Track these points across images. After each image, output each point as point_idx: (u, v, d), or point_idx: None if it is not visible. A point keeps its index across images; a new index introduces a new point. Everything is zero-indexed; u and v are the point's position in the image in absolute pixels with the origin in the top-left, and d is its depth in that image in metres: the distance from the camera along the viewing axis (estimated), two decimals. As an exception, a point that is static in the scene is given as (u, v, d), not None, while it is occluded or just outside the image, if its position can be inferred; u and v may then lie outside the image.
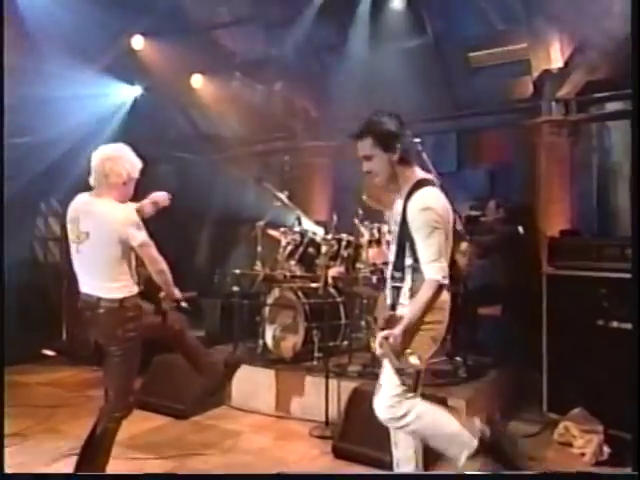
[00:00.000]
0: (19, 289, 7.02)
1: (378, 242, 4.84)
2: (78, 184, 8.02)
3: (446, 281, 2.51)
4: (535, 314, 4.37)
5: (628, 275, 3.75)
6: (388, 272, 2.75)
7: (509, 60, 6.23)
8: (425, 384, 4.18)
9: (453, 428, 2.68)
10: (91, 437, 3.16)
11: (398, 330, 2.45)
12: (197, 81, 7.44)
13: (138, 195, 3.38)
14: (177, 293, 3.28)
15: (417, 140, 4.78)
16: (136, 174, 3.22)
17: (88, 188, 3.18)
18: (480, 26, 6.04)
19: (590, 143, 6.03)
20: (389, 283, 2.71)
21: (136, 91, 7.58)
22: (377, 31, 6.30)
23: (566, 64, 5.81)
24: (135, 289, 3.13)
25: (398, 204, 2.70)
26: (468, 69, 6.43)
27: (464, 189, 6.28)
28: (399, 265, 2.63)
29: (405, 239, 2.58)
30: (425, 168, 4.67)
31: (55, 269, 8.17)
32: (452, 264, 2.68)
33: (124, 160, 3.16)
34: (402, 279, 2.63)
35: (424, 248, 2.50)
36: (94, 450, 3.16)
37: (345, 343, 4.97)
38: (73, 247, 3.12)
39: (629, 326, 3.75)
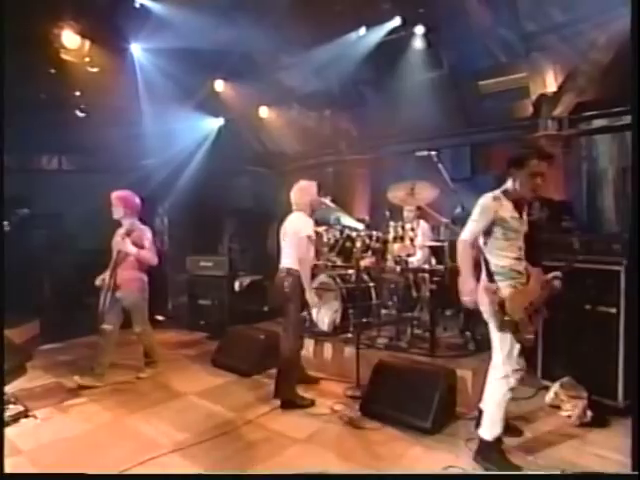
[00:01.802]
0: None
1: (402, 238, 4.55)
2: (181, 193, 8.12)
3: None
4: None
5: (613, 267, 3.36)
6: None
7: (512, 87, 5.61)
8: (438, 355, 3.97)
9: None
10: (282, 365, 3.69)
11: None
12: (264, 111, 7.26)
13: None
14: None
15: (433, 152, 4.50)
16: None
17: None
18: (487, 60, 5.46)
19: (580, 153, 5.36)
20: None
21: (219, 122, 7.51)
22: (404, 66, 5.84)
23: (559, 89, 5.23)
24: None
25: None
26: (478, 95, 5.86)
27: (477, 192, 5.76)
28: None
29: None
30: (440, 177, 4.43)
31: (164, 256, 8.31)
32: None
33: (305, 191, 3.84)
34: None
35: None
36: (287, 372, 3.67)
37: (375, 320, 4.68)
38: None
39: (613, 310, 3.34)
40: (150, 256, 4.24)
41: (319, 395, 3.89)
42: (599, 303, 3.41)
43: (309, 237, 3.64)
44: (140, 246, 4.20)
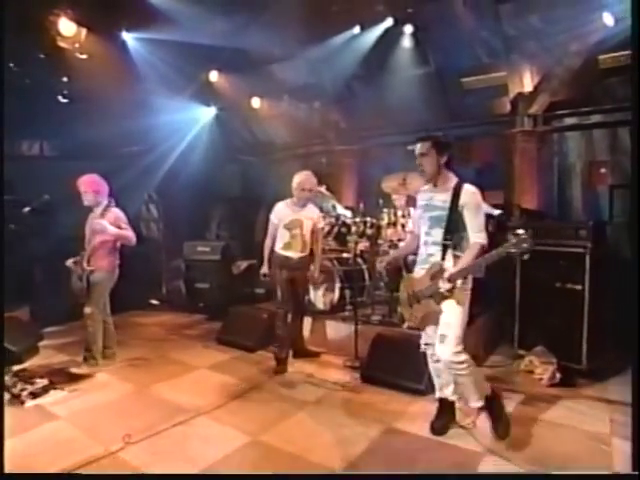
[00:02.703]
0: (130, 257, 7.40)
1: (394, 224, 5.03)
2: (172, 181, 8.36)
3: (486, 244, 2.79)
4: (511, 277, 4.37)
5: (580, 250, 3.92)
6: (436, 238, 2.89)
7: (492, 85, 6.13)
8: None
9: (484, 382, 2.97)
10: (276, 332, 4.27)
11: (455, 270, 2.77)
12: (256, 102, 7.53)
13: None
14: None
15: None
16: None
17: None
18: (470, 60, 5.91)
19: (552, 148, 5.92)
20: (439, 245, 2.88)
21: (212, 112, 7.76)
22: (392, 63, 6.26)
23: (535, 89, 5.76)
24: None
25: (439, 194, 2.90)
26: (461, 91, 6.32)
27: None
28: (450, 233, 2.84)
29: (456, 216, 2.81)
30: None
31: (155, 242, 8.52)
32: None
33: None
34: (450, 243, 2.85)
35: (475, 221, 2.80)
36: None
37: (368, 299, 5.13)
38: None
39: (579, 287, 3.90)
40: (130, 235, 4.28)
41: (321, 367, 4.35)
42: (567, 281, 3.95)
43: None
44: (117, 227, 4.22)
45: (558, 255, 4.00)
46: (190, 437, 3.08)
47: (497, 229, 4.45)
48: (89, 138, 10.49)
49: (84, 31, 6.43)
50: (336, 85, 6.96)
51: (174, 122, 7.60)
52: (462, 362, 2.79)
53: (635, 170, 2.64)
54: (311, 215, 4.36)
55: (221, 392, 3.80)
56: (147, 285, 7.44)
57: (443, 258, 2.87)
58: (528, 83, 5.83)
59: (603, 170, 5.74)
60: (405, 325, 3.17)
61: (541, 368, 3.91)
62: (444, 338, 2.82)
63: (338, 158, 7.74)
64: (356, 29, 5.91)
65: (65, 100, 8.71)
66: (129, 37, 6.70)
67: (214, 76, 7.04)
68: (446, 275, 2.77)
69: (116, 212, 4.36)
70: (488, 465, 2.69)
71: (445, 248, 2.86)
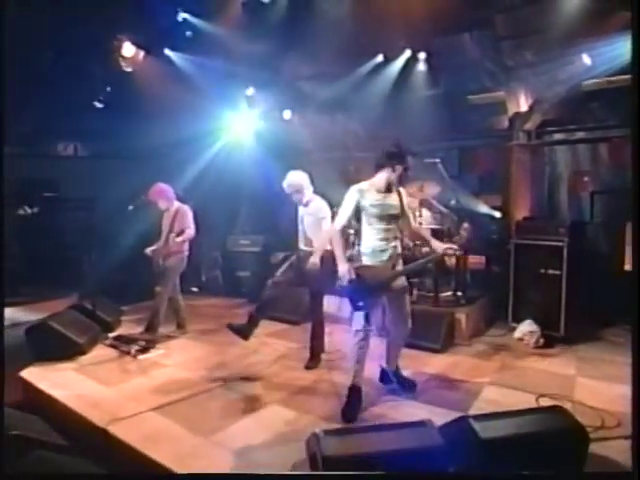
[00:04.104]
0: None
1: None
2: (206, 179, 9.48)
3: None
4: (506, 266, 5.61)
5: (559, 244, 5.17)
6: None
7: (493, 102, 7.30)
8: (440, 306, 5.72)
9: None
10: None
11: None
12: (287, 113, 8.74)
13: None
14: None
15: (437, 160, 6.21)
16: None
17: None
18: (475, 83, 7.15)
19: (543, 159, 7.11)
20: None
21: (248, 120, 8.86)
22: (408, 84, 7.49)
23: (529, 109, 6.91)
24: None
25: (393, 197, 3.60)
26: (466, 109, 7.54)
27: (463, 186, 7.53)
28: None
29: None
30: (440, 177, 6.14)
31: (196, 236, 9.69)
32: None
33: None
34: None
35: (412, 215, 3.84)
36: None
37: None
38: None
39: (558, 272, 5.15)
40: (191, 234, 5.43)
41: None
42: (549, 268, 5.21)
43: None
44: (183, 223, 5.39)
45: (543, 248, 5.27)
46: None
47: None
48: (121, 139, 11.85)
49: (142, 53, 7.65)
50: (356, 100, 8.19)
51: (210, 129, 8.80)
52: None
53: (635, 170, 2.80)
54: (312, 212, 4.58)
55: (281, 352, 5.04)
56: (188, 274, 8.64)
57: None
58: (523, 104, 7.03)
59: (586, 178, 7.00)
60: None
61: (529, 336, 5.16)
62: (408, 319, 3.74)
63: (356, 163, 8.95)
64: (380, 57, 7.14)
65: (100, 105, 10.02)
66: (176, 55, 7.88)
67: (251, 91, 8.24)
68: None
69: (185, 211, 5.54)
70: (491, 389, 3.94)
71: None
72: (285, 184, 4.52)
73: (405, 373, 4.14)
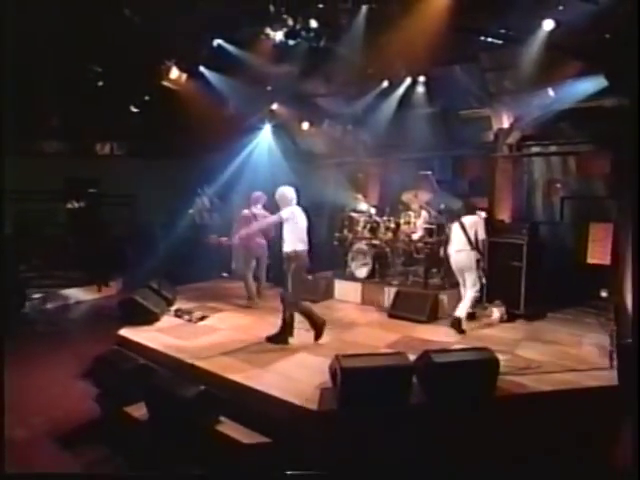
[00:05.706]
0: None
1: (408, 223, 7.92)
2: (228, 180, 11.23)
3: None
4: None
5: (521, 241, 6.80)
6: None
7: (480, 118, 8.90)
8: (429, 290, 7.38)
9: None
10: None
11: None
12: (305, 125, 10.41)
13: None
14: None
15: (429, 172, 7.86)
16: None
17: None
18: (465, 103, 8.78)
19: (522, 169, 8.66)
20: None
21: (270, 131, 10.65)
22: (408, 103, 9.11)
23: (510, 126, 8.49)
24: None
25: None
26: (459, 124, 9.17)
27: (455, 190, 9.00)
28: None
29: None
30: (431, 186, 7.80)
31: (208, 228, 11.35)
32: None
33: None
34: None
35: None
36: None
37: (390, 271, 7.99)
38: None
39: (520, 264, 6.79)
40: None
41: (363, 311, 7.32)
42: (514, 260, 6.83)
43: None
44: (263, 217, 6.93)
45: (509, 244, 6.90)
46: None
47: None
48: (153, 140, 13.71)
49: (184, 75, 9.33)
50: (365, 114, 9.80)
51: (239, 137, 10.48)
52: None
53: (635, 170, 3.30)
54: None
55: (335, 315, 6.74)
56: (217, 262, 10.36)
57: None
58: (506, 122, 8.62)
59: (558, 185, 8.60)
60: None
61: (496, 313, 6.81)
62: None
63: (365, 168, 10.60)
64: (385, 83, 8.76)
65: (136, 110, 11.84)
66: (211, 74, 9.49)
67: (275, 106, 9.90)
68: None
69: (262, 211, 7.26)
70: (456, 346, 5.62)
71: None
72: (277, 195, 5.71)
73: (397, 337, 5.84)
